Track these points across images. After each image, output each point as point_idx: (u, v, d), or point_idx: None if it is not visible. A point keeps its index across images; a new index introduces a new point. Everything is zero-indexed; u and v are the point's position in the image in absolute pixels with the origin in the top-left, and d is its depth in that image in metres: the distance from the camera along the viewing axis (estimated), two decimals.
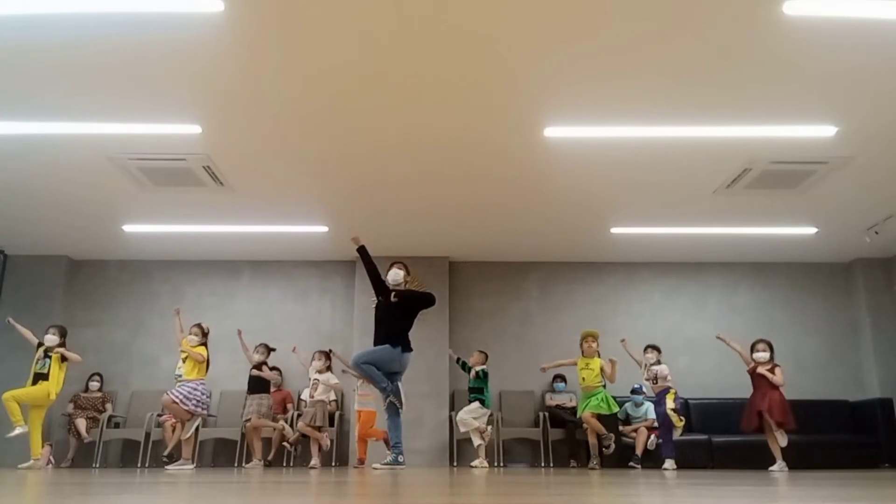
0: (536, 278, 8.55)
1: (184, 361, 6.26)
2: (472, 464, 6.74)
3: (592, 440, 6.32)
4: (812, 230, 7.40)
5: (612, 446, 6.31)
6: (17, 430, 6.10)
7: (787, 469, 5.76)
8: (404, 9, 3.84)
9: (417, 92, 4.72)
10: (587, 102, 4.86)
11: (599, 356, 6.43)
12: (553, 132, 5.26)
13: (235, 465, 7.40)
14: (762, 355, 6.09)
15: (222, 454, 7.75)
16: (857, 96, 4.74)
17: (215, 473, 4.80)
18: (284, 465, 7.29)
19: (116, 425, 7.70)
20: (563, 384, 7.91)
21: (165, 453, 6.94)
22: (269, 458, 7.21)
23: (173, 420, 7.10)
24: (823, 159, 5.68)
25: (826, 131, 5.20)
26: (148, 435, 7.44)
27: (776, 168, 5.84)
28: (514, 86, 4.64)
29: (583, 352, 6.48)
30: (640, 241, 7.84)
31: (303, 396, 7.63)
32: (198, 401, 6.05)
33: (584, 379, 6.39)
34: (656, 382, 6.42)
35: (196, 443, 6.51)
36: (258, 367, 6.70)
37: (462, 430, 6.85)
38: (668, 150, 5.55)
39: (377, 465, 5.34)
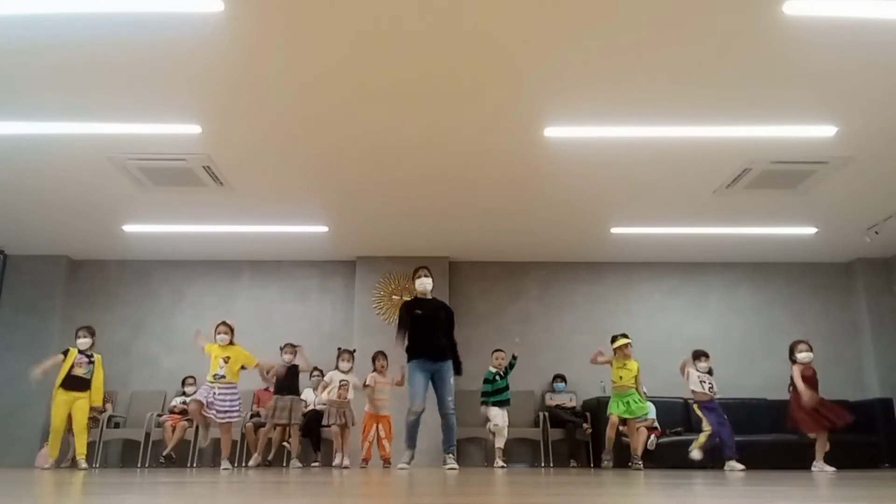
0: (536, 278, 8.55)
1: (225, 362, 5.84)
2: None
3: (609, 433, 6.19)
4: (812, 230, 7.40)
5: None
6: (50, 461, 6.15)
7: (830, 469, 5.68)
8: (404, 9, 3.84)
9: (417, 92, 4.72)
10: (587, 102, 4.87)
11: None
12: (553, 132, 5.26)
13: (235, 465, 7.40)
14: (807, 355, 5.94)
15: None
16: (857, 96, 4.74)
17: (215, 473, 4.80)
18: (284, 465, 7.28)
19: (116, 425, 7.71)
20: (563, 384, 7.91)
21: (165, 453, 6.94)
22: (270, 458, 7.21)
23: (173, 421, 7.10)
24: (823, 159, 5.68)
25: (826, 131, 5.20)
26: (148, 435, 7.44)
27: (776, 168, 5.84)
28: (514, 86, 4.64)
29: (619, 356, 6.29)
30: (640, 241, 7.84)
31: (303, 396, 7.61)
32: (239, 409, 5.92)
33: (620, 377, 6.19)
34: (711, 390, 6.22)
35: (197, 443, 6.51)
36: (292, 368, 6.60)
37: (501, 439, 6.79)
38: (668, 150, 5.55)
39: (403, 465, 5.35)
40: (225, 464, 5.96)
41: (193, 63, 4.36)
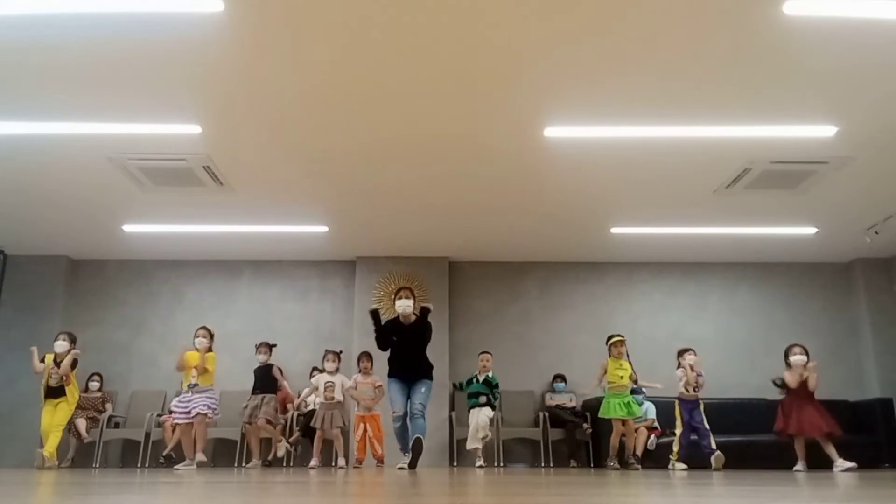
0: (536, 278, 8.55)
1: (198, 371, 6.13)
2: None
3: (615, 441, 6.20)
4: (812, 230, 7.40)
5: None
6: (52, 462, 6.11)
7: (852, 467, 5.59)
8: (404, 9, 3.84)
9: (417, 92, 4.72)
10: (587, 102, 4.86)
11: (628, 356, 6.34)
12: (553, 132, 5.26)
13: (235, 465, 7.40)
14: (798, 358, 5.95)
15: (222, 454, 7.75)
16: (857, 96, 4.74)
17: (215, 473, 4.80)
18: (284, 465, 7.28)
19: (116, 425, 7.71)
20: (563, 384, 7.91)
21: (165, 453, 6.93)
22: (270, 458, 7.21)
23: (172, 422, 7.08)
24: (823, 159, 5.68)
25: (826, 131, 5.20)
26: (148, 435, 7.44)
27: (776, 168, 5.84)
28: (514, 86, 4.64)
29: (614, 355, 6.31)
30: (640, 241, 7.84)
31: (303, 397, 7.61)
32: (215, 408, 6.17)
33: (620, 377, 6.20)
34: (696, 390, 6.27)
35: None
36: (267, 367, 6.79)
37: (474, 441, 6.82)
38: (668, 149, 5.55)
39: (402, 466, 5.34)
40: (187, 462, 5.99)
41: (193, 63, 4.35)
